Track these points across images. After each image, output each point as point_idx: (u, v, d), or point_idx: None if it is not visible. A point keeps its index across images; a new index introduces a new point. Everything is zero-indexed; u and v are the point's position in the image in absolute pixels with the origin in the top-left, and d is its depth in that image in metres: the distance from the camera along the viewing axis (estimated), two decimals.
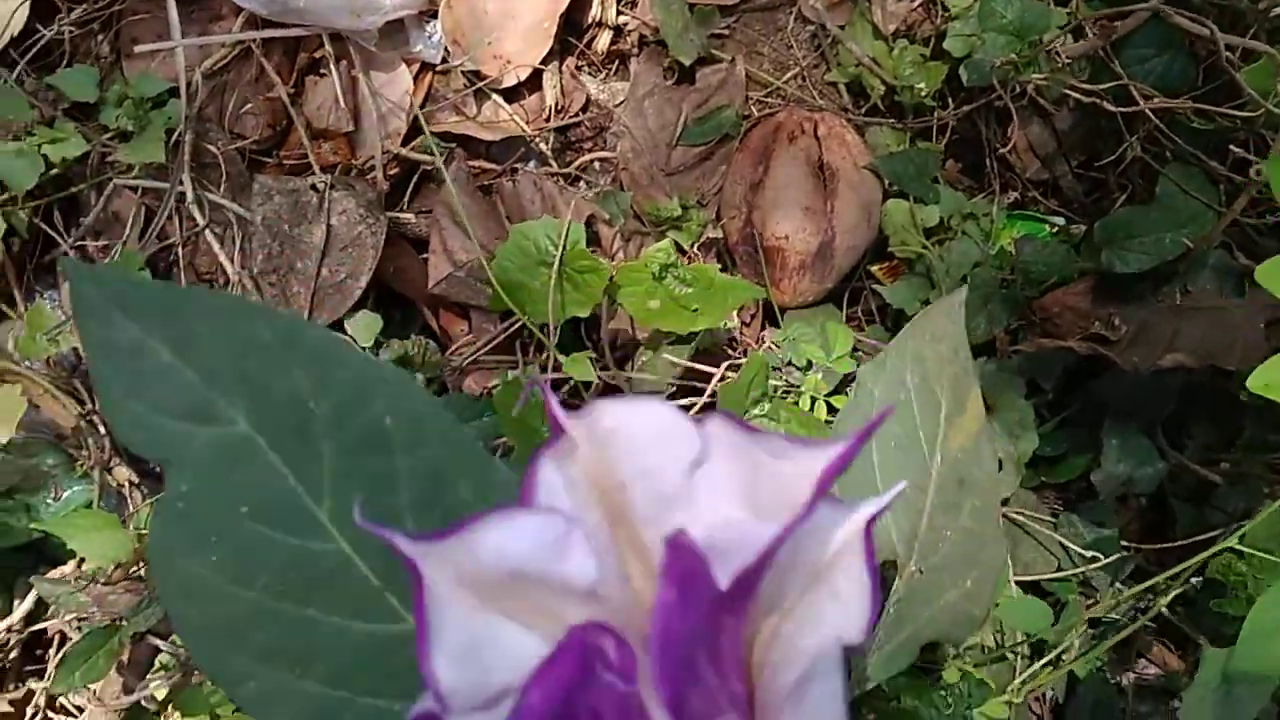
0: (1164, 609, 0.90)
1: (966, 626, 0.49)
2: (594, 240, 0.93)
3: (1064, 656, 0.89)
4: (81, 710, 0.77)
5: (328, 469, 0.35)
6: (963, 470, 0.49)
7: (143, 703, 0.71)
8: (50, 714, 0.81)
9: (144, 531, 0.77)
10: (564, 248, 0.81)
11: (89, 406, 0.85)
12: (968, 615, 0.49)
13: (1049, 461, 0.96)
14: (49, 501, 0.83)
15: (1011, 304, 0.93)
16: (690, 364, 0.84)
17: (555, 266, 0.80)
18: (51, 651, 0.81)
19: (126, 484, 0.84)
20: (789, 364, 0.84)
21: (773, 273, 0.95)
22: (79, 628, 0.71)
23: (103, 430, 0.85)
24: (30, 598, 0.81)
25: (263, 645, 0.35)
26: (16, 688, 0.83)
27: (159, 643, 0.70)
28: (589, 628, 0.22)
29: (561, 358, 0.81)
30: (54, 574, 0.73)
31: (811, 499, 0.22)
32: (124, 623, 0.65)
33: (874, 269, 1.01)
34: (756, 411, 0.74)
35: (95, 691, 0.71)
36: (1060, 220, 1.02)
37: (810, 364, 0.83)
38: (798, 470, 0.23)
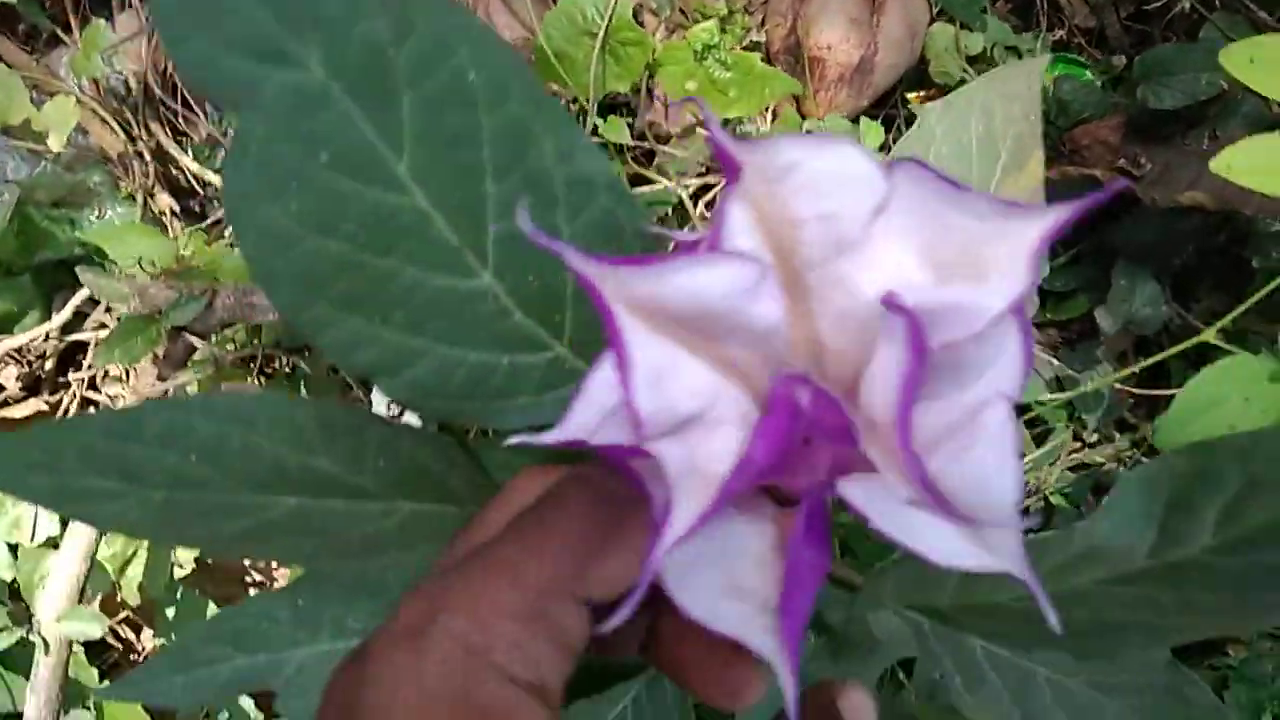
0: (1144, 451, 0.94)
1: None
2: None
3: (1046, 481, 0.93)
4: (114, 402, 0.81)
5: (407, 122, 0.35)
6: None
7: (172, 395, 0.75)
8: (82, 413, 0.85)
9: (185, 253, 0.81)
10: (610, 18, 0.82)
11: (136, 131, 0.87)
12: None
13: (1057, 297, 0.99)
14: (92, 219, 0.86)
15: (1044, 136, 0.94)
16: None
17: (600, 35, 0.82)
18: (87, 357, 0.85)
19: (167, 211, 0.87)
20: None
21: (811, 84, 0.96)
22: (119, 319, 0.75)
23: (147, 157, 0.87)
24: (68, 309, 0.85)
25: (344, 294, 0.36)
26: (53, 394, 0.88)
27: (195, 340, 0.74)
28: (790, 380, 0.23)
29: (599, 121, 0.83)
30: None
31: (1031, 268, 0.22)
32: (162, 315, 0.68)
33: (910, 96, 1.02)
34: None
35: (130, 384, 0.75)
36: (1102, 69, 1.03)
37: None
38: (997, 233, 0.22)
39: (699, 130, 0.86)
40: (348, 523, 0.45)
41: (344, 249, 0.35)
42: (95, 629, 0.75)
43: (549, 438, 0.23)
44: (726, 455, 0.24)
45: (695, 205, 0.86)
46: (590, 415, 0.24)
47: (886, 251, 0.24)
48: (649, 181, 0.84)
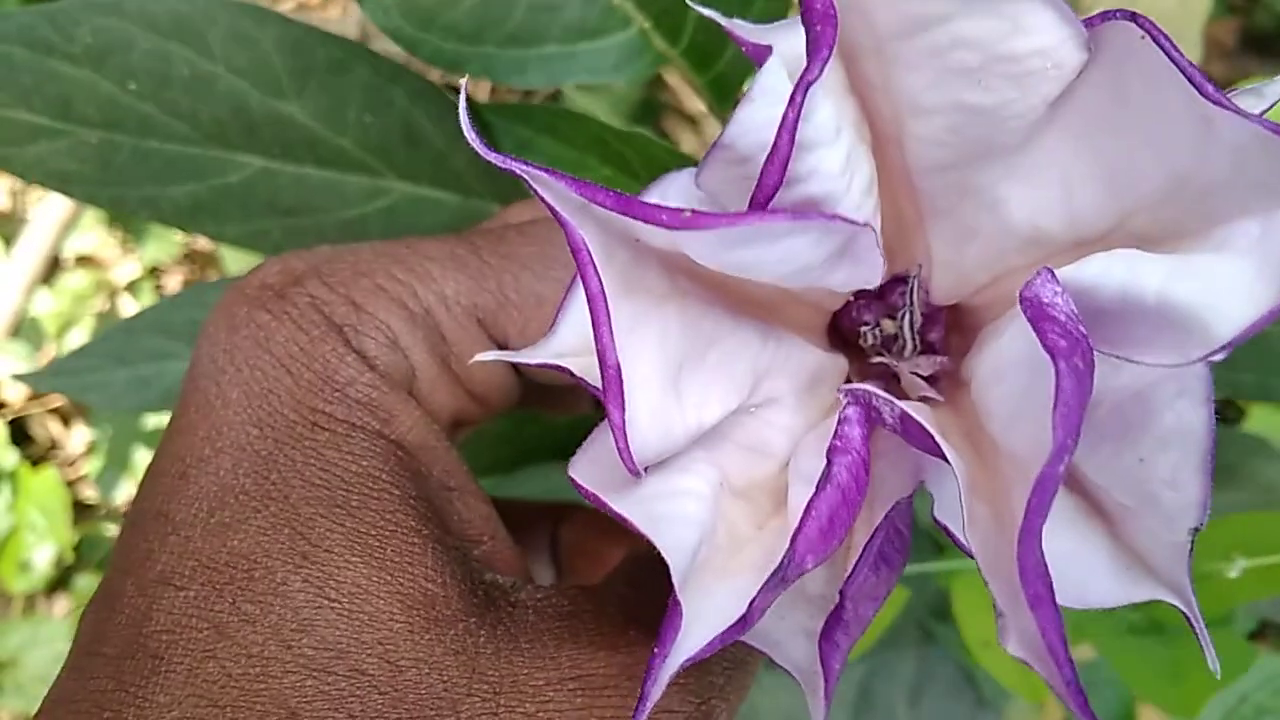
0: None
1: None
2: None
3: None
4: None
5: None
6: None
7: None
8: None
9: None
10: None
11: None
12: None
13: None
14: None
15: None
16: None
17: None
18: None
19: None
20: None
21: None
22: None
23: None
24: None
25: None
26: None
27: None
28: (860, 407, 0.16)
29: None
30: None
31: None
32: None
33: None
34: None
35: None
36: None
37: None
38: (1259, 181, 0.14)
39: None
40: (324, 200, 0.38)
41: None
42: (20, 365, 0.68)
43: (520, 358, 0.17)
44: (782, 440, 0.18)
45: None
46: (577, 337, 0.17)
47: (1054, 166, 0.16)
48: None
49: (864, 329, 0.19)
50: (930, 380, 0.19)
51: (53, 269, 0.80)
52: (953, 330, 0.19)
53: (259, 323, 0.19)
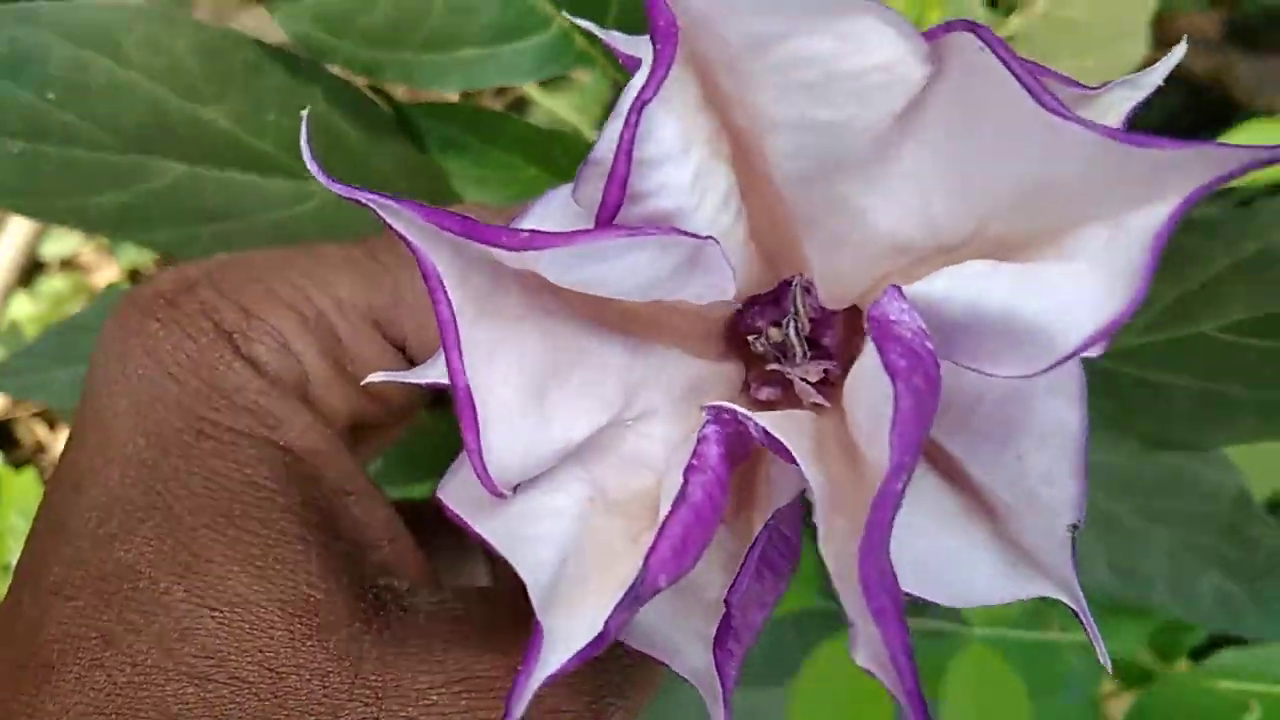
0: None
1: None
2: None
3: None
4: None
5: None
6: None
7: None
8: None
9: None
10: None
11: None
12: None
13: None
14: None
15: None
16: None
17: None
18: None
19: None
20: None
21: None
22: None
23: None
24: None
25: None
26: None
27: None
28: (720, 415, 0.17)
29: None
30: None
31: (1148, 265, 0.14)
32: None
33: None
34: None
35: None
36: None
37: None
38: (1100, 187, 0.14)
39: None
40: (250, 203, 0.38)
41: None
42: None
43: (409, 377, 0.18)
44: (660, 451, 0.18)
45: None
46: None
47: (910, 177, 0.16)
48: None
49: (752, 338, 0.19)
50: (823, 383, 0.19)
51: (32, 273, 0.81)
52: (852, 332, 0.20)
53: (148, 331, 0.19)
